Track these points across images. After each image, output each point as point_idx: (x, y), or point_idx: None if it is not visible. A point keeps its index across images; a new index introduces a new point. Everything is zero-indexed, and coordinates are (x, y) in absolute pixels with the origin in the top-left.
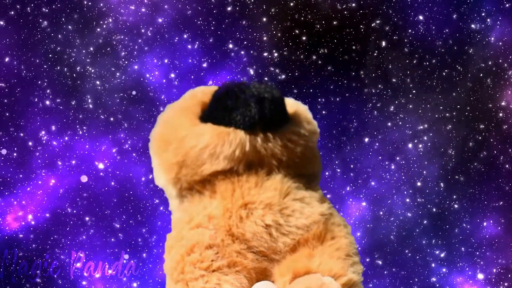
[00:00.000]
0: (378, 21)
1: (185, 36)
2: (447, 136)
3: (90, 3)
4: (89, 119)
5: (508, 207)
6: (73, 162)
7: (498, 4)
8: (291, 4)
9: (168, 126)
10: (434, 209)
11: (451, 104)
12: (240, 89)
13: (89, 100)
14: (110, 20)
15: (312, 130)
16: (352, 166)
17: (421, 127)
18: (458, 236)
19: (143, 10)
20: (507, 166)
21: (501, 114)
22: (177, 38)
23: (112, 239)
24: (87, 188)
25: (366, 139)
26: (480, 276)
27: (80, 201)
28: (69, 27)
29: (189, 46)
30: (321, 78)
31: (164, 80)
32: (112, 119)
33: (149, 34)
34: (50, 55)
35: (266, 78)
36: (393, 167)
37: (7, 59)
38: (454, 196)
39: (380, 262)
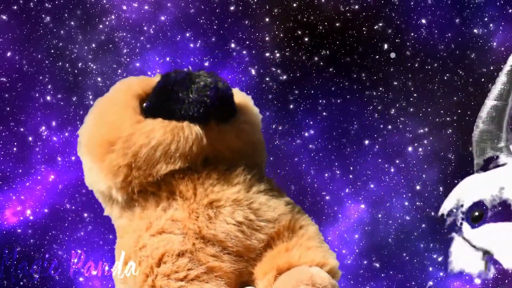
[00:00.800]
0: (380, 24)
1: (187, 34)
2: (447, 140)
3: (93, 0)
4: None
5: None
6: (73, 158)
7: (501, 9)
8: (294, 4)
9: (106, 124)
10: (433, 213)
11: (452, 108)
12: (190, 79)
13: (90, 97)
14: (113, 17)
15: (259, 118)
16: (351, 168)
17: (422, 130)
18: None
19: (146, 7)
20: None
21: None
22: (179, 36)
23: (110, 236)
24: (86, 185)
25: (366, 142)
26: (477, 281)
27: (79, 197)
28: (72, 23)
29: (191, 45)
30: (323, 80)
31: None
32: None
33: (152, 32)
34: (52, 51)
35: (267, 79)
36: (392, 170)
37: (9, 54)
38: None
39: (377, 265)
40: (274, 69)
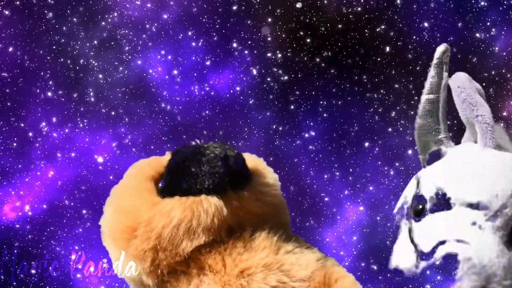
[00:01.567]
0: (383, 26)
1: (189, 33)
2: None
3: None
4: (90, 112)
5: None
6: (73, 154)
7: (504, 14)
8: (297, 5)
9: (125, 211)
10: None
11: (452, 112)
12: (200, 153)
13: (91, 93)
14: (115, 14)
15: (275, 177)
16: (351, 170)
17: None
18: None
19: (149, 5)
20: None
21: (502, 124)
22: (181, 35)
23: None
24: (85, 181)
25: (366, 144)
26: None
27: (78, 194)
28: (74, 19)
29: (193, 44)
30: (324, 81)
31: (166, 77)
32: (113, 113)
33: (154, 30)
34: (54, 47)
35: (268, 79)
36: (392, 172)
37: (10, 49)
38: None
39: (375, 267)
40: (276, 70)
